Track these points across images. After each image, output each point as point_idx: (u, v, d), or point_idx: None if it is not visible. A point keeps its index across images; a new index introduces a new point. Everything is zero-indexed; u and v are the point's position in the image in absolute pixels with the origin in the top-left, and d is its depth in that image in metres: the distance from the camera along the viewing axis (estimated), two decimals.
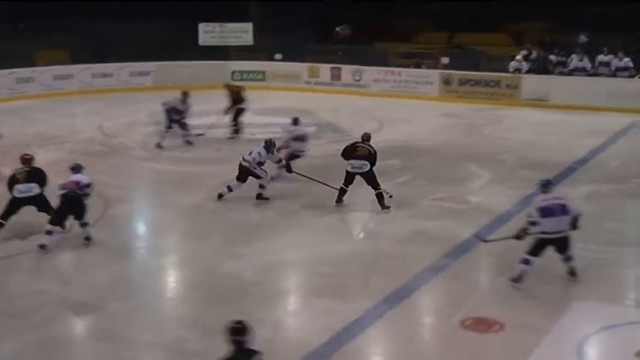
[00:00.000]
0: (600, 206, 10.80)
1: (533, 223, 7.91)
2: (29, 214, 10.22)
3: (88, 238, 9.45)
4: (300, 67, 23.48)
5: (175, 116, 15.23)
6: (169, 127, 15.15)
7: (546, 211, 7.89)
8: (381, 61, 23.08)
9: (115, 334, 7.11)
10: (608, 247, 9.17)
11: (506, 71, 20.50)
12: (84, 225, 9.47)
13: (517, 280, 8.00)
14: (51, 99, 20.35)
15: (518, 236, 8.20)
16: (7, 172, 12.45)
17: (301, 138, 13.12)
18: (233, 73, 23.69)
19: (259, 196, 11.34)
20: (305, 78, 23.38)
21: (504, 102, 19.81)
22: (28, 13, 22.05)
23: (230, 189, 11.24)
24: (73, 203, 9.37)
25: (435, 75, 21.46)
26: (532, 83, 19.84)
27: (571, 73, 19.80)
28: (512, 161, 13.78)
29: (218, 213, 10.83)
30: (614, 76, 19.16)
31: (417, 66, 22.76)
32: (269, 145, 11.47)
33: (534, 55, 20.83)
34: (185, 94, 15.43)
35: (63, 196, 9.35)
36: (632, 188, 11.86)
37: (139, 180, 13.01)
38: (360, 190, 11.83)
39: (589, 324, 7.17)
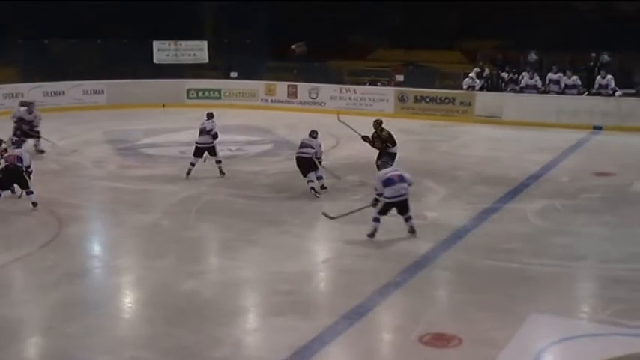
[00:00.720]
0: (552, 221, 11.03)
1: (380, 195, 10.07)
2: None
3: (34, 204, 11.43)
4: (257, 85, 23.51)
5: (24, 126, 15.64)
6: (17, 135, 15.08)
7: (387, 182, 10.03)
8: (337, 79, 23.26)
9: (70, 356, 6.97)
10: (561, 260, 9.34)
11: (461, 88, 20.84)
12: (29, 193, 11.51)
13: (372, 235, 10.05)
14: (1, 117, 19.95)
15: (373, 204, 10.20)
16: None
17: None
18: (188, 91, 23.63)
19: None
20: (261, 95, 23.41)
21: (459, 118, 20.14)
22: None
23: None
24: (15, 175, 11.48)
25: (390, 92, 21.70)
26: (485, 100, 20.21)
27: (522, 90, 20.23)
28: (467, 177, 13.98)
29: (174, 231, 10.73)
30: (563, 93, 19.63)
31: (373, 83, 22.99)
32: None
33: (487, 72, 21.23)
34: (30, 105, 16.29)
35: (6, 167, 11.48)
36: (582, 203, 12.13)
37: (94, 199, 12.82)
38: (315, 205, 11.89)
39: (545, 337, 7.26)
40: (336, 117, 15.17)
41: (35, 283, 8.90)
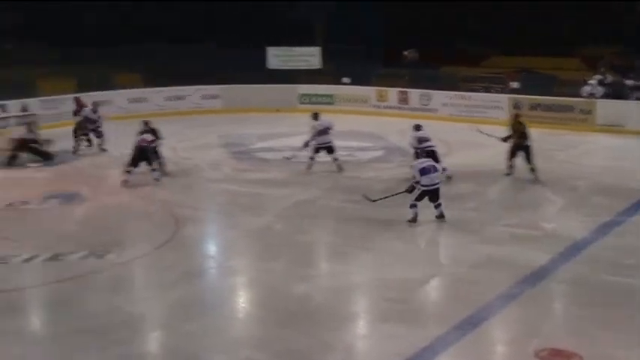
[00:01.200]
0: None
1: (417, 182, 11.09)
2: (108, 231, 10.56)
3: (156, 179, 13.64)
4: (368, 91, 23.55)
5: (90, 125, 16.94)
6: (85, 135, 17.07)
7: (423, 171, 11.09)
8: (448, 85, 22.94)
9: (189, 353, 7.18)
10: None
11: (579, 96, 20.06)
12: (153, 170, 13.76)
13: (413, 220, 11.09)
14: (126, 121, 20.93)
15: (409, 190, 11.25)
16: (87, 192, 12.97)
17: (324, 131, 14.77)
18: (301, 96, 23.96)
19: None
20: (373, 101, 23.43)
21: (578, 127, 19.39)
22: (107, 39, 22.83)
23: None
24: (144, 152, 13.70)
25: (504, 99, 21.19)
26: (607, 108, 19.35)
27: None
28: (586, 187, 13.43)
29: (287, 235, 10.89)
30: None
31: (486, 90, 22.50)
32: None
33: (609, 79, 20.34)
34: (95, 104, 17.40)
35: (136, 147, 13.75)
36: None
37: (210, 201, 13.19)
38: (429, 215, 11.76)
39: None
40: (475, 129, 15.56)
41: (156, 281, 9.25)
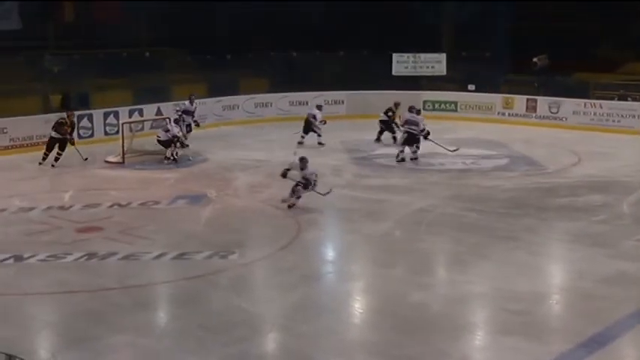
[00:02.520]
0: None
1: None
2: (232, 232, 10.91)
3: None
4: (494, 98, 23.01)
5: (188, 118, 18.16)
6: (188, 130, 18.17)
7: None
8: (580, 93, 22.03)
9: (304, 355, 7.28)
10: None
11: None
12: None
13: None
14: (251, 125, 21.57)
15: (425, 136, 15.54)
16: (214, 194, 13.46)
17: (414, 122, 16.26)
18: (425, 102, 23.73)
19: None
20: (498, 109, 22.88)
21: None
22: (233, 46, 23.61)
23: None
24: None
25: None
26: None
27: None
28: None
29: (406, 241, 10.84)
30: None
31: (622, 98, 21.44)
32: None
33: None
34: (191, 96, 18.68)
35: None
36: None
37: (331, 206, 13.29)
38: (553, 224, 11.40)
39: None
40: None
41: (276, 282, 9.46)
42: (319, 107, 19.22)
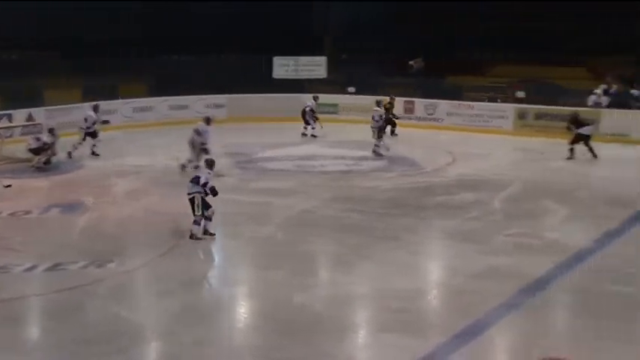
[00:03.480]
0: None
1: None
2: (110, 241, 10.57)
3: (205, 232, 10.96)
4: (374, 100, 23.48)
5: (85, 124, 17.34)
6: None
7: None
8: (455, 95, 22.92)
9: None
10: None
11: (585, 105, 19.99)
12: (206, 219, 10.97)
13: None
14: (132, 130, 21.02)
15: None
16: (91, 202, 13.00)
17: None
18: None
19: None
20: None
21: None
22: (112, 50, 22.97)
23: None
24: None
25: (509, 109, 21.17)
26: (612, 118, 19.32)
27: None
28: (589, 197, 13.40)
29: (289, 244, 10.87)
30: None
31: (492, 100, 22.48)
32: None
33: (614, 89, 20.29)
34: (96, 106, 17.95)
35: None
36: None
37: (214, 210, 13.16)
38: (430, 223, 11.77)
39: None
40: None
41: (157, 289, 9.23)
42: (315, 98, 21.12)
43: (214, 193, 11.04)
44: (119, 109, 21.95)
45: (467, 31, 25.40)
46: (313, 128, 20.49)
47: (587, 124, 16.66)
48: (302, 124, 20.64)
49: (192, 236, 10.92)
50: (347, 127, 21.90)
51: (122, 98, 22.33)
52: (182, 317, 8.18)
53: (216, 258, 10.89)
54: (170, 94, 23.13)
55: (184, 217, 11.97)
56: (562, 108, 20.47)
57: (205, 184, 11.00)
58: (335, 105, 23.90)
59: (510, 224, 11.55)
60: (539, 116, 20.45)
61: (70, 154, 16.89)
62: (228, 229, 11.90)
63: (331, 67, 24.47)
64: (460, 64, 24.56)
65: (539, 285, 8.98)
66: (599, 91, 20.06)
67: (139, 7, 24.05)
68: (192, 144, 15.78)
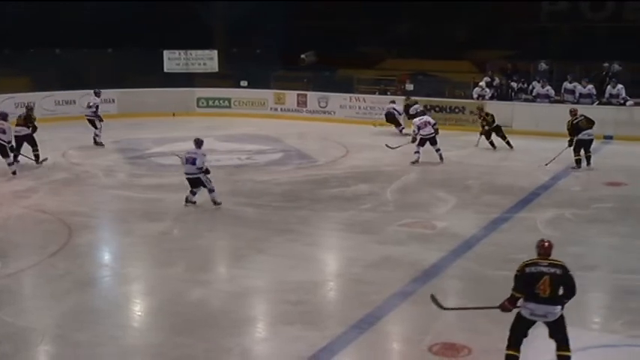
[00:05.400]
0: (563, 231, 10.94)
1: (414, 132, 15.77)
2: None
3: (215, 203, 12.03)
4: (266, 94, 23.55)
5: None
6: None
7: (423, 125, 15.58)
8: (346, 88, 23.25)
9: None
10: (573, 271, 9.24)
11: (471, 98, 20.79)
12: (210, 191, 12.02)
13: (415, 162, 15.52)
14: (13, 127, 20.06)
15: (413, 140, 16.11)
16: None
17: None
18: (198, 99, 23.72)
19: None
20: (271, 104, 23.45)
21: (469, 128, 20.04)
22: None
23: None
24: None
25: (399, 101, 21.65)
26: (495, 110, 20.04)
27: (535, 99, 20.19)
28: (477, 186, 13.93)
29: (184, 240, 10.74)
30: (577, 102, 19.47)
31: (382, 92, 22.97)
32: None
33: (497, 81, 21.18)
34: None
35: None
36: (593, 213, 12.05)
37: (104, 207, 12.83)
38: (325, 215, 11.92)
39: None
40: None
41: (46, 291, 8.93)
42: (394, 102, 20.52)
43: (208, 171, 12.05)
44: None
45: (357, 26, 25.88)
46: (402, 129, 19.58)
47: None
48: None
49: (215, 202, 12.05)
50: (240, 121, 21.84)
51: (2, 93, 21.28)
52: (75, 318, 7.96)
53: (109, 256, 10.63)
54: (56, 89, 22.26)
55: (74, 215, 11.66)
56: (449, 100, 21.23)
57: (201, 168, 11.89)
58: (228, 99, 23.75)
59: (403, 214, 11.85)
60: (427, 108, 20.97)
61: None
62: (121, 226, 11.64)
63: (222, 60, 24.27)
64: (351, 57, 24.97)
65: (430, 273, 9.29)
66: (482, 83, 20.85)
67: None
68: None
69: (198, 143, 12.14)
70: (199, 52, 24.04)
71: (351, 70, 24.56)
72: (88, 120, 18.12)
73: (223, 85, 24.29)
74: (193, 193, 12.18)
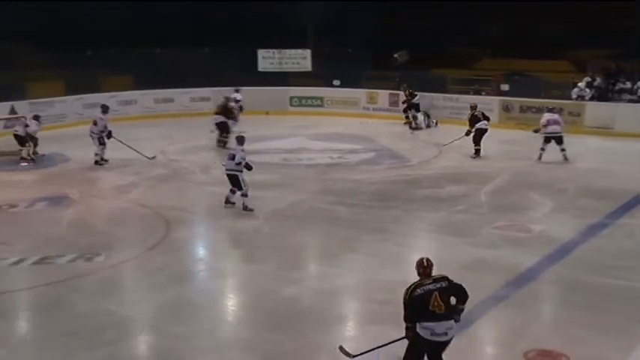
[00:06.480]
0: None
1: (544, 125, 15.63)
2: (97, 234, 10.54)
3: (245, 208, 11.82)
4: (358, 93, 23.57)
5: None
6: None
7: (551, 122, 15.59)
8: (439, 88, 22.98)
9: (177, 355, 7.18)
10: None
11: (568, 98, 20.15)
12: (242, 195, 11.87)
13: (539, 159, 15.69)
14: (115, 124, 20.86)
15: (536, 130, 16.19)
16: (77, 195, 12.95)
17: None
18: (291, 98, 23.97)
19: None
20: (363, 104, 23.46)
21: (567, 129, 19.33)
22: (94, 42, 22.79)
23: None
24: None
25: (494, 102, 21.25)
26: (596, 110, 19.46)
27: (639, 100, 19.38)
28: (575, 190, 13.49)
29: (276, 237, 10.88)
30: None
31: (477, 92, 22.57)
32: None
33: (598, 82, 20.45)
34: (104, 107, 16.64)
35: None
36: None
37: (200, 203, 13.16)
38: (417, 215, 11.83)
39: None
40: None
41: (145, 283, 9.25)
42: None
43: (249, 167, 11.96)
44: (103, 102, 21.75)
45: (452, 25, 25.54)
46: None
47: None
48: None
49: (245, 208, 11.88)
50: (332, 120, 21.94)
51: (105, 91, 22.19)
52: (170, 310, 8.19)
53: (205, 251, 10.88)
54: (155, 87, 23.03)
55: (172, 210, 12.01)
56: (547, 100, 20.61)
57: (240, 163, 11.79)
58: (320, 98, 23.91)
59: (497, 217, 11.62)
60: (524, 109, 20.55)
61: (97, 162, 15.72)
62: (216, 222, 11.90)
63: (315, 60, 24.44)
64: (444, 57, 24.65)
65: (525, 277, 9.07)
66: (582, 84, 20.18)
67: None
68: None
69: (240, 140, 12.21)
70: (293, 51, 24.31)
71: (443, 69, 24.26)
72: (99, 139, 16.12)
73: (316, 84, 24.46)
74: (233, 192, 12.12)
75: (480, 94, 22.35)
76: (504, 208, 12.20)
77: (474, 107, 16.92)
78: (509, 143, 18.20)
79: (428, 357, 6.41)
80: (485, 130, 16.45)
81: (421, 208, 12.33)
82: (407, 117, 21.14)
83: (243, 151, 12.01)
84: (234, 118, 18.45)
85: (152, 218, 11.69)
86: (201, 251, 10.91)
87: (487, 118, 16.71)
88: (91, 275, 9.23)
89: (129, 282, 9.46)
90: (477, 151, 16.38)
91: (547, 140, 15.78)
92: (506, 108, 20.90)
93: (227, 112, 18.12)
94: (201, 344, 7.43)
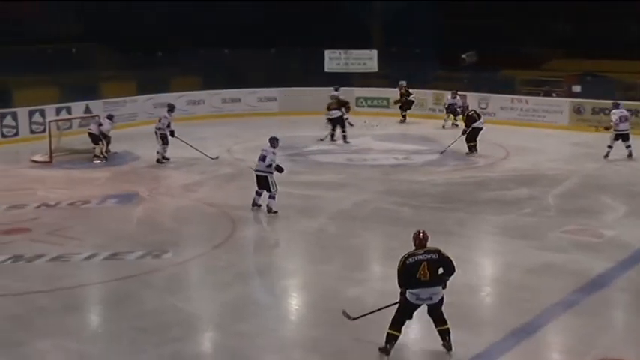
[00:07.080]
0: None
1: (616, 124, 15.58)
2: (165, 232, 10.75)
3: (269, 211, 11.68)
4: (425, 94, 23.34)
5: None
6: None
7: (622, 119, 15.48)
8: (508, 89, 22.57)
9: (241, 354, 7.25)
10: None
11: None
12: (270, 197, 11.73)
13: (606, 156, 15.71)
14: (183, 123, 21.26)
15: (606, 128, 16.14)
16: (146, 193, 13.25)
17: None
18: (358, 99, 23.92)
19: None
20: (430, 105, 23.24)
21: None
22: (165, 43, 23.28)
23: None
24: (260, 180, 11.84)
25: (565, 103, 20.76)
26: None
27: None
28: None
29: (340, 237, 10.88)
30: None
31: (547, 94, 22.09)
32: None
33: None
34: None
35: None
36: None
37: (265, 203, 13.25)
38: (483, 218, 11.65)
39: None
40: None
41: (210, 281, 9.38)
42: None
43: (280, 170, 11.83)
44: (172, 102, 22.21)
45: (521, 25, 25.06)
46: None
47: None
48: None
49: (269, 210, 11.78)
50: (398, 121, 21.82)
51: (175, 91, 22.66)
52: (235, 308, 8.28)
53: (269, 250, 10.96)
54: (222, 87, 23.37)
55: (237, 209, 12.15)
56: (621, 102, 19.97)
57: (270, 165, 11.71)
58: (386, 99, 23.79)
59: (566, 220, 11.35)
60: (596, 111, 19.99)
61: (159, 161, 16.06)
62: (280, 222, 11.97)
63: (382, 60, 24.33)
64: (514, 57, 24.18)
65: (596, 283, 8.82)
66: None
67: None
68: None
69: (272, 142, 12.01)
70: (359, 51, 24.26)
71: (513, 70, 23.80)
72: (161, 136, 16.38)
73: (382, 84, 24.36)
74: (259, 195, 12.02)
75: (551, 96, 21.87)
76: (574, 212, 11.90)
77: (466, 107, 17.78)
78: (580, 145, 17.75)
79: (428, 313, 7.21)
80: (481, 129, 16.65)
81: (486, 210, 12.14)
82: (403, 115, 21.87)
83: (274, 153, 11.88)
84: (348, 110, 18.88)
85: (218, 217, 11.86)
86: (265, 250, 11.00)
87: (480, 117, 17.06)
88: (159, 272, 9.42)
89: (195, 279, 9.63)
90: (471, 148, 16.65)
91: (616, 138, 15.55)
92: (577, 110, 20.37)
93: (343, 104, 18.56)
94: (265, 343, 7.48)
